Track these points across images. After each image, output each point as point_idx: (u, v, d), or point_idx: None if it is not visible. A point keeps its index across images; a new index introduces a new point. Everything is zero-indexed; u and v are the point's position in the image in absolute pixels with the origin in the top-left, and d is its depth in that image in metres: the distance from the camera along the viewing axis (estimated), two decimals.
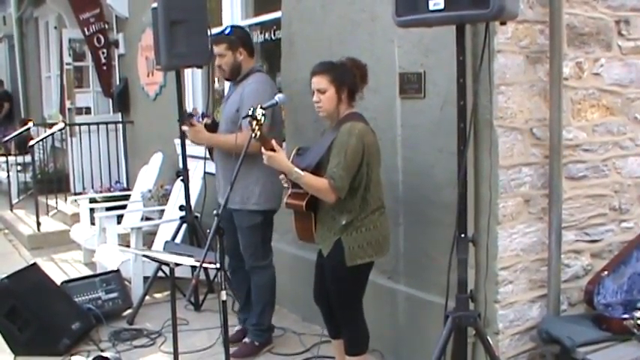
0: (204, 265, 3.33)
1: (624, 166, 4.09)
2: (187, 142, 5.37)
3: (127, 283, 5.71)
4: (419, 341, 4.09)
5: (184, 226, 5.51)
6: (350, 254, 3.53)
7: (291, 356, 4.59)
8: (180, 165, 5.51)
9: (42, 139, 9.35)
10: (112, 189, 8.54)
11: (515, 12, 2.99)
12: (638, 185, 4.16)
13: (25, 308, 4.72)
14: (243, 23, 6.10)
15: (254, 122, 3.27)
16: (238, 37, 4.55)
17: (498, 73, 3.55)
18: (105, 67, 9.47)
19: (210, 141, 4.55)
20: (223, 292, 3.42)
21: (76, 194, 9.01)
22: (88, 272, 6.49)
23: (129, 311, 5.45)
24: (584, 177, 3.93)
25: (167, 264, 3.86)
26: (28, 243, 8.22)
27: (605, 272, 3.83)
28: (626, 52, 4.03)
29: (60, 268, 7.04)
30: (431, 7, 2.95)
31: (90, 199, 7.66)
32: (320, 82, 3.57)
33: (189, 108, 7.11)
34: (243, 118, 3.42)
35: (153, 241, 6.36)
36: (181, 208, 5.48)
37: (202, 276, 5.60)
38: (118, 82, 9.31)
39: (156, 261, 4.62)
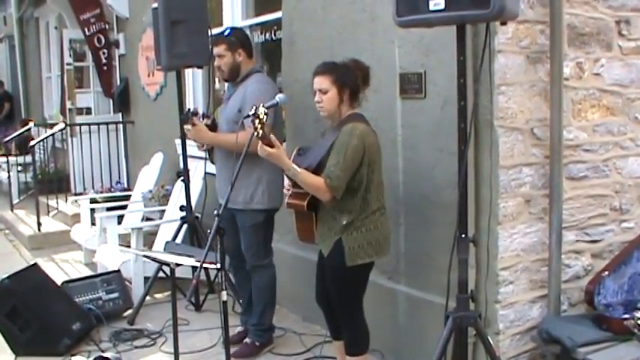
0: (205, 265, 3.32)
1: (625, 167, 4.09)
2: (188, 142, 5.38)
3: (127, 283, 5.71)
4: (419, 341, 4.09)
5: (185, 226, 5.52)
6: (350, 254, 3.53)
7: (291, 356, 4.59)
8: (181, 165, 5.51)
9: (42, 140, 9.35)
10: (112, 189, 8.55)
11: (516, 12, 2.99)
12: (639, 185, 4.16)
13: (25, 308, 4.72)
14: (244, 23, 6.11)
15: (257, 121, 3.27)
16: (237, 39, 4.56)
17: (499, 73, 3.55)
18: (105, 68, 9.48)
19: (212, 140, 4.55)
20: (224, 293, 3.42)
21: (76, 194, 9.02)
22: (88, 272, 6.49)
23: (129, 311, 5.45)
24: (585, 177, 3.93)
25: (168, 264, 3.86)
26: (28, 243, 8.23)
27: (606, 272, 3.83)
28: (626, 53, 4.03)
29: (60, 269, 7.05)
30: (431, 7, 2.95)
31: (90, 199, 7.66)
32: (322, 82, 3.57)
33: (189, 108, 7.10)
34: (245, 117, 3.42)
35: (153, 242, 6.36)
36: (182, 208, 5.48)
37: (203, 276, 5.60)
38: (118, 83, 9.31)
39: (156, 261, 4.62)
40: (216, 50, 4.50)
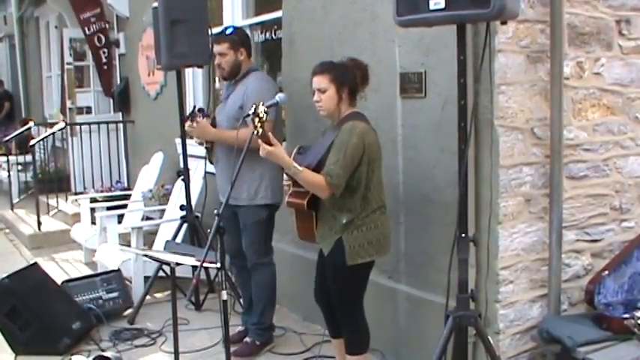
0: (205, 264, 3.33)
1: (625, 166, 4.09)
2: (188, 141, 5.39)
3: (127, 282, 5.71)
4: (419, 341, 4.09)
5: (185, 225, 5.52)
6: (350, 253, 3.53)
7: (291, 356, 4.59)
8: (181, 164, 5.51)
9: (43, 139, 9.35)
10: (112, 188, 8.55)
11: (516, 11, 2.99)
12: (639, 185, 4.16)
13: (25, 308, 4.72)
14: (244, 23, 6.11)
15: (256, 119, 3.27)
16: (239, 37, 4.58)
17: (499, 73, 3.55)
18: (106, 67, 9.48)
19: (216, 136, 4.53)
20: (224, 292, 3.42)
21: (76, 194, 9.00)
22: (88, 272, 6.49)
23: (129, 311, 5.45)
24: (585, 177, 3.93)
25: (168, 264, 3.86)
26: (28, 242, 8.22)
27: (606, 272, 3.83)
28: (626, 52, 4.03)
29: (60, 268, 7.05)
30: (431, 7, 2.95)
31: (90, 198, 7.66)
32: (320, 81, 3.58)
33: (189, 108, 7.09)
34: (246, 116, 3.42)
35: (153, 241, 6.36)
36: (182, 207, 5.48)
37: (203, 276, 5.61)
38: (118, 82, 9.31)
39: (156, 261, 4.62)
40: (219, 48, 4.50)
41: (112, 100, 9.66)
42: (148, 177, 7.35)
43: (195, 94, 7.29)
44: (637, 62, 4.07)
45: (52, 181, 9.31)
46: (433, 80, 3.91)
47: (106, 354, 4.43)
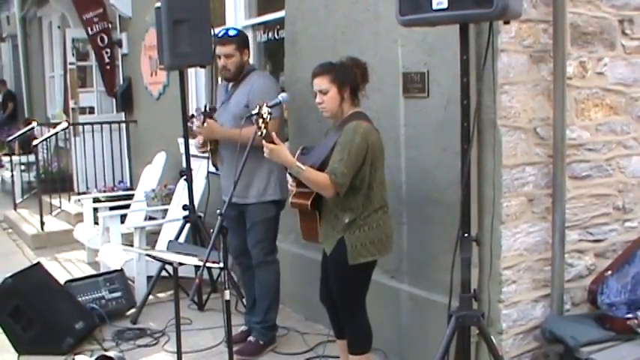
0: (208, 264, 3.33)
1: (628, 166, 4.08)
2: (191, 141, 5.39)
3: (130, 282, 5.72)
4: (422, 341, 4.09)
5: (188, 225, 5.52)
6: (353, 253, 3.53)
7: (294, 356, 4.59)
8: (184, 164, 5.51)
9: (46, 139, 9.37)
10: (115, 188, 8.56)
11: (519, 11, 2.99)
12: None
13: (28, 307, 4.73)
14: (247, 23, 6.12)
15: (260, 120, 3.28)
16: (243, 39, 4.61)
17: (502, 73, 3.54)
18: (108, 67, 9.49)
19: (225, 134, 4.51)
20: (227, 292, 3.42)
21: (79, 194, 9.03)
22: (91, 272, 6.50)
23: (132, 311, 5.46)
24: (588, 176, 3.92)
25: (170, 263, 3.87)
26: (31, 242, 8.24)
27: (609, 272, 3.83)
28: (629, 52, 4.02)
29: (63, 268, 7.06)
30: (434, 7, 2.95)
31: (93, 198, 7.68)
32: (321, 82, 3.59)
33: (191, 108, 7.11)
34: (249, 116, 3.43)
35: (156, 241, 6.37)
36: (185, 207, 5.48)
37: (206, 275, 5.61)
38: (121, 82, 9.32)
39: (159, 260, 4.63)
40: (225, 50, 4.50)
41: (114, 100, 9.68)
42: (150, 177, 7.36)
43: (197, 94, 7.30)
44: None
45: (55, 181, 9.33)
46: (436, 80, 3.91)
47: (108, 354, 4.43)
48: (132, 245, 6.00)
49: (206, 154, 4.76)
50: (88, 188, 9.16)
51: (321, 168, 3.51)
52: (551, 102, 3.71)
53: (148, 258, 5.42)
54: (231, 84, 4.64)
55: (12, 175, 10.19)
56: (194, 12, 4.95)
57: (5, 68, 17.64)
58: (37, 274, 5.04)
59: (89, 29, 9.29)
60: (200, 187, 5.99)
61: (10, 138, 10.72)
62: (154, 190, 7.04)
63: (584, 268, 3.96)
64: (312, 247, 4.31)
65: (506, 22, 3.09)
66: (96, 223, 7.20)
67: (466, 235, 3.14)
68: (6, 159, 10.85)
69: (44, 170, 9.79)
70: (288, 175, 3.67)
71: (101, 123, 9.23)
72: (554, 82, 3.68)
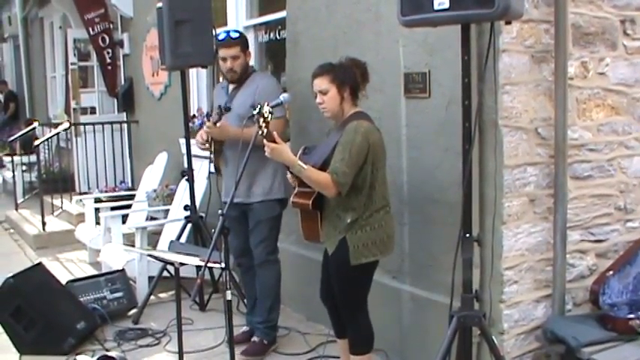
0: (209, 264, 3.33)
1: (629, 166, 4.08)
2: (192, 141, 5.39)
3: (132, 282, 5.72)
4: (424, 341, 4.09)
5: (189, 225, 5.52)
6: (354, 253, 3.54)
7: (295, 356, 4.60)
8: (185, 165, 5.51)
9: (47, 139, 9.37)
10: (116, 189, 8.56)
11: (520, 11, 2.99)
12: None
13: (30, 308, 4.73)
14: (248, 23, 6.12)
15: (261, 120, 3.28)
16: (245, 40, 4.64)
17: (503, 73, 3.54)
18: (110, 67, 9.49)
19: (235, 135, 4.47)
20: (228, 292, 3.42)
21: (81, 194, 9.02)
22: (93, 272, 6.50)
23: (134, 311, 5.46)
24: (590, 177, 3.92)
25: (172, 264, 3.87)
26: (33, 242, 8.25)
27: (611, 272, 3.83)
28: (631, 52, 4.02)
29: (65, 268, 7.06)
30: (436, 7, 2.95)
31: (95, 198, 7.68)
32: (321, 83, 3.60)
33: (193, 108, 7.12)
34: (250, 116, 3.43)
35: (158, 241, 6.37)
36: (186, 207, 5.48)
37: (207, 276, 5.61)
38: (122, 82, 9.32)
39: (161, 261, 4.63)
40: (231, 52, 4.50)
41: (116, 101, 9.68)
42: (152, 177, 7.36)
43: (199, 95, 7.30)
44: None
45: (57, 182, 9.33)
46: (437, 80, 3.91)
47: (110, 354, 4.43)
48: (133, 245, 6.00)
49: (207, 152, 4.75)
50: (89, 188, 9.17)
51: (323, 167, 3.52)
52: (552, 102, 3.70)
53: (149, 258, 5.42)
54: (231, 86, 4.64)
55: (13, 176, 10.21)
56: (195, 12, 4.95)
57: (7, 68, 17.66)
58: (38, 275, 5.05)
59: (90, 29, 9.29)
60: (201, 187, 5.99)
61: (12, 138, 10.74)
62: (155, 191, 7.05)
63: (585, 269, 3.96)
64: (313, 248, 4.31)
65: (508, 23, 3.10)
66: (97, 223, 7.19)
67: (467, 235, 3.14)
68: (7, 159, 10.86)
69: (46, 170, 9.80)
70: (288, 173, 3.67)
71: (102, 123, 9.23)
72: (555, 83, 3.68)
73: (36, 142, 9.11)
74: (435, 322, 3.86)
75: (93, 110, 10.22)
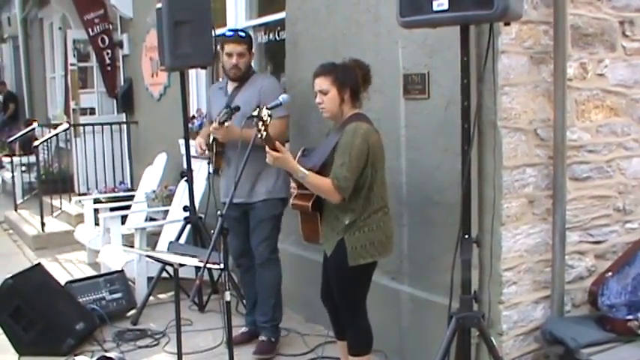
0: (208, 265, 3.33)
1: (628, 167, 4.09)
2: (191, 142, 5.39)
3: (131, 283, 5.72)
4: (423, 342, 4.09)
5: (188, 226, 5.52)
6: (352, 254, 3.53)
7: (295, 357, 4.59)
8: (185, 165, 5.51)
9: (46, 140, 9.37)
10: (116, 189, 8.55)
11: (520, 12, 3.00)
12: None
13: (29, 308, 4.73)
14: (247, 24, 6.12)
15: (260, 123, 3.28)
16: (251, 40, 4.68)
17: (502, 74, 3.54)
18: (109, 68, 9.49)
19: (241, 136, 4.46)
20: (227, 293, 3.42)
21: (80, 195, 9.02)
22: (92, 272, 6.50)
23: (133, 311, 5.46)
24: (589, 178, 3.92)
25: (171, 264, 3.87)
26: (32, 243, 8.24)
27: (610, 273, 3.83)
28: (630, 53, 4.02)
29: (64, 269, 7.06)
30: (435, 8, 2.96)
31: (94, 199, 7.68)
32: (322, 83, 3.59)
33: (192, 109, 7.12)
34: (249, 118, 3.43)
35: (157, 242, 6.37)
36: (185, 208, 5.48)
37: (206, 277, 5.61)
38: (122, 83, 9.32)
39: (160, 261, 4.63)
40: (239, 49, 4.52)
41: (115, 101, 9.68)
42: (151, 178, 7.36)
43: (198, 96, 7.29)
44: None
45: (56, 182, 9.33)
46: (436, 81, 3.91)
47: (109, 355, 4.44)
48: (132, 246, 6.00)
49: (205, 157, 4.75)
50: (88, 189, 9.16)
51: (322, 170, 3.52)
52: (551, 103, 3.71)
53: (148, 259, 5.42)
54: (231, 86, 4.64)
55: (13, 176, 10.20)
56: (195, 13, 4.95)
57: (6, 69, 17.65)
58: (37, 275, 5.04)
59: (90, 30, 9.29)
60: (201, 188, 5.99)
61: (11, 139, 10.73)
62: (154, 191, 7.05)
63: (584, 270, 3.96)
64: (313, 248, 4.31)
65: (507, 24, 3.10)
66: (96, 224, 7.20)
67: (466, 236, 3.14)
68: (7, 160, 10.85)
69: (45, 171, 9.79)
70: (291, 179, 3.68)
71: (102, 124, 9.22)
72: (554, 84, 3.69)
73: (35, 143, 9.10)
74: (434, 323, 3.86)
75: (92, 111, 10.20)
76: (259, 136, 3.30)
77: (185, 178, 5.59)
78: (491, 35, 3.12)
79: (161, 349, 4.82)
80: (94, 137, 9.12)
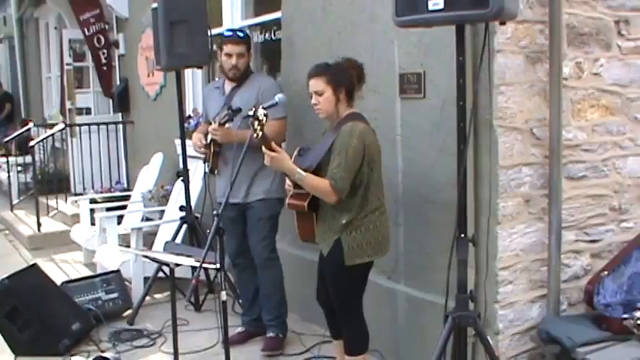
0: (204, 265, 3.33)
1: (624, 166, 4.09)
2: (187, 142, 5.39)
3: (127, 283, 5.71)
4: (419, 341, 4.09)
5: (184, 226, 5.52)
6: (349, 254, 3.54)
7: (291, 356, 4.59)
8: (181, 165, 5.51)
9: (42, 140, 9.35)
10: (112, 189, 8.55)
11: (515, 12, 3.00)
12: (638, 185, 4.15)
13: (25, 309, 4.72)
14: (243, 23, 6.12)
15: (256, 122, 3.28)
16: (250, 40, 4.70)
17: (498, 73, 3.55)
18: (105, 68, 9.47)
19: (240, 137, 4.45)
20: (223, 293, 3.42)
21: (76, 195, 9.02)
22: (88, 273, 6.49)
23: (129, 312, 5.46)
24: (584, 177, 3.93)
25: (167, 264, 3.86)
26: (28, 243, 8.23)
27: (605, 272, 3.83)
28: (625, 52, 4.03)
29: (60, 269, 7.04)
30: (430, 7, 2.95)
31: (90, 199, 7.66)
32: (317, 84, 3.59)
33: (188, 109, 7.12)
34: (245, 117, 3.44)
35: (153, 242, 6.36)
36: (181, 208, 5.48)
37: (202, 276, 5.60)
38: (118, 83, 9.31)
39: (156, 261, 4.63)
40: (238, 49, 4.53)
41: (111, 101, 9.66)
42: (147, 178, 7.35)
43: (194, 95, 7.29)
44: (636, 63, 4.07)
45: (52, 182, 9.32)
46: (432, 81, 3.92)
47: (105, 355, 4.43)
48: (129, 246, 6.00)
49: (203, 155, 4.74)
50: (84, 189, 9.15)
51: (318, 169, 3.52)
52: (547, 103, 3.71)
53: (144, 259, 5.41)
54: (229, 86, 4.64)
55: (9, 176, 10.17)
56: (191, 13, 4.94)
57: (2, 69, 17.57)
58: (33, 276, 5.03)
59: (86, 30, 9.28)
60: (197, 188, 5.98)
61: (7, 139, 10.70)
62: (150, 191, 7.04)
63: (580, 269, 3.97)
64: (309, 248, 4.31)
65: (503, 23, 3.10)
66: (93, 224, 7.18)
67: (462, 235, 3.14)
68: (3, 160, 10.82)
69: (41, 171, 9.77)
70: (287, 180, 3.67)
71: (98, 124, 9.21)
72: (550, 83, 3.69)
73: (31, 143, 9.08)
74: (430, 323, 3.86)
75: (88, 111, 10.18)
76: (255, 135, 3.30)
77: (181, 177, 5.59)
78: (486, 35, 3.12)
79: (157, 349, 4.82)
80: (90, 137, 9.11)
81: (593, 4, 3.86)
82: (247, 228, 4.66)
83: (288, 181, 3.69)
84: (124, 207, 7.24)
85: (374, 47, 4.28)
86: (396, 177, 4.20)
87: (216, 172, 4.71)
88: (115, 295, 5.47)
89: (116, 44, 9.14)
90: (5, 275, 4.81)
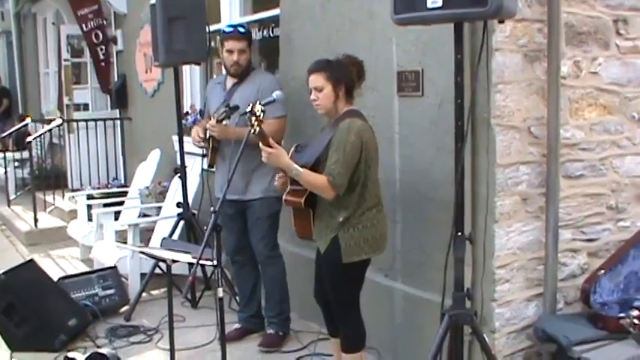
0: (201, 262, 3.33)
1: (621, 165, 4.09)
2: (185, 138, 5.39)
3: (124, 279, 5.71)
4: (416, 339, 4.09)
5: (182, 222, 5.52)
6: (346, 251, 3.53)
7: (288, 353, 4.60)
8: (178, 162, 5.50)
9: (40, 135, 9.35)
10: (109, 185, 8.55)
11: (514, 10, 3.00)
12: (635, 184, 4.16)
13: (21, 304, 4.71)
14: (242, 20, 6.10)
15: (253, 118, 3.27)
16: (251, 36, 4.70)
17: (496, 72, 3.54)
18: (103, 64, 9.47)
19: (238, 134, 4.44)
20: (220, 289, 3.42)
21: (73, 190, 9.00)
22: (85, 268, 6.49)
23: (126, 308, 5.46)
24: (582, 176, 3.93)
25: (164, 261, 3.86)
26: (25, 239, 8.22)
27: (602, 271, 3.84)
28: (624, 52, 4.03)
29: (57, 265, 7.04)
30: (429, 5, 2.95)
31: (87, 195, 7.66)
32: (316, 80, 3.59)
33: (186, 105, 7.11)
34: (242, 114, 3.43)
35: (150, 238, 6.35)
36: (179, 205, 5.48)
37: (199, 273, 5.60)
38: (116, 79, 9.30)
39: (153, 258, 4.62)
40: (239, 45, 4.52)
41: (109, 97, 9.66)
42: (144, 174, 7.34)
43: (192, 92, 7.28)
44: (634, 62, 4.07)
45: (49, 178, 9.31)
46: (430, 79, 3.91)
47: (101, 351, 4.43)
48: (125, 242, 6.00)
49: (201, 148, 4.74)
50: (82, 185, 9.15)
51: (315, 166, 3.52)
52: (545, 101, 3.71)
53: (141, 255, 5.41)
54: (230, 82, 4.63)
55: (6, 172, 10.16)
56: (189, 9, 4.95)
57: None
58: (30, 271, 5.03)
59: (84, 26, 9.27)
60: (194, 184, 5.98)
61: (5, 134, 10.69)
62: (148, 188, 7.03)
63: (577, 268, 3.97)
64: (306, 246, 4.31)
65: (501, 21, 3.10)
66: (90, 220, 7.18)
67: (460, 233, 3.14)
68: (0, 155, 10.81)
69: (38, 167, 9.77)
70: (277, 175, 3.67)
71: (95, 120, 9.20)
72: (548, 82, 3.69)
73: (29, 139, 9.07)
74: (427, 320, 3.86)
75: (86, 107, 10.18)
76: (252, 131, 3.29)
77: (179, 174, 5.59)
78: (485, 33, 3.12)
79: (154, 345, 4.82)
80: (87, 133, 9.10)
81: (592, 3, 3.86)
82: (248, 226, 4.67)
83: (280, 173, 3.66)
84: (121, 203, 7.24)
85: (372, 45, 4.28)
86: (394, 175, 4.20)
87: (214, 167, 4.71)
88: (111, 291, 5.47)
89: (114, 40, 9.14)
90: (2, 271, 4.81)
